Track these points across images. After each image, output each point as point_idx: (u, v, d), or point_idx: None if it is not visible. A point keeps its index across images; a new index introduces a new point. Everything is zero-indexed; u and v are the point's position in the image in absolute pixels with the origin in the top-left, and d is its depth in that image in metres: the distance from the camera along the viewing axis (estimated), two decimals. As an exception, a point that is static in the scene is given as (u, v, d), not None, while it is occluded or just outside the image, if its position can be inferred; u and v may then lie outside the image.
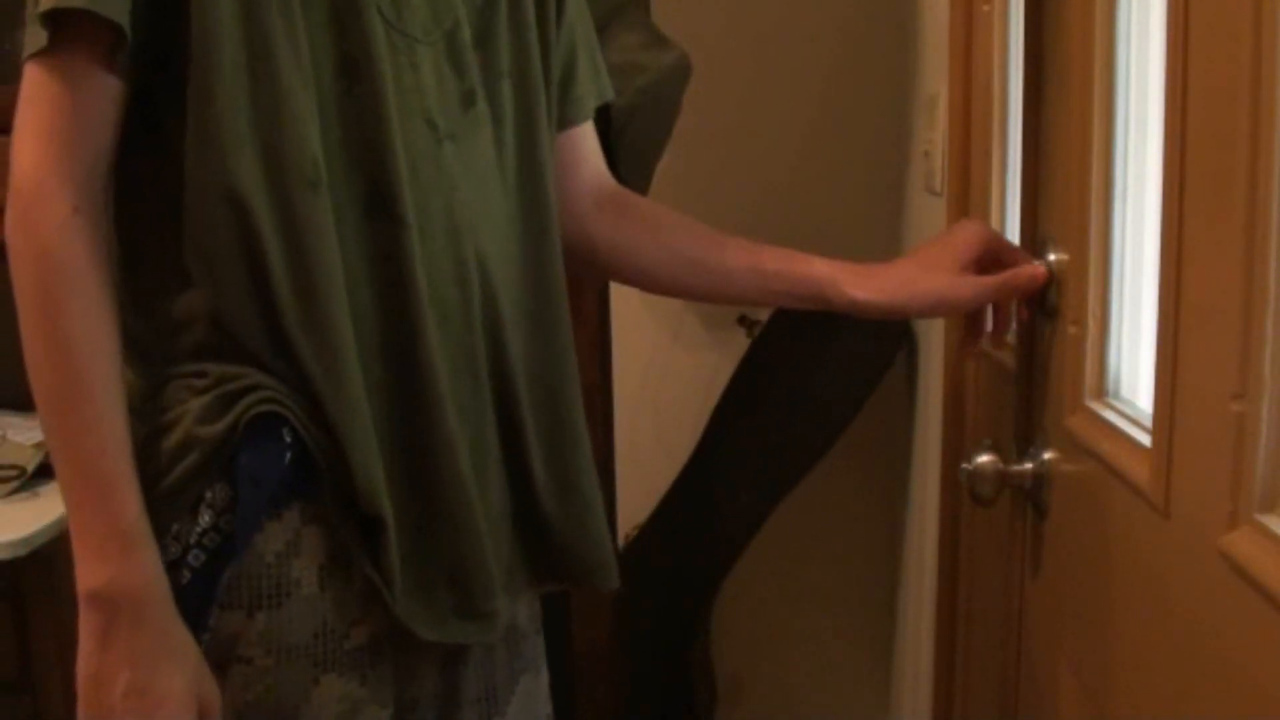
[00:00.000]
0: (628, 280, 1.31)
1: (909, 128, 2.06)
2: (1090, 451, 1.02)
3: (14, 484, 1.79)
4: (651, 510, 2.22)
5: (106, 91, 0.97)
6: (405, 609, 1.03)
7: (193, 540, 0.98)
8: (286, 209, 0.98)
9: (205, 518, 0.98)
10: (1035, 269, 1.15)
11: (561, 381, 1.15)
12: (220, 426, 0.97)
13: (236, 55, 0.97)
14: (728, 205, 2.01)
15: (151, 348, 1.02)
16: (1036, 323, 1.19)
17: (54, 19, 0.93)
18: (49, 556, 1.67)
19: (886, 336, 2.00)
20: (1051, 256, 1.14)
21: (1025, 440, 1.21)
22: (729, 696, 2.40)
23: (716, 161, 2.23)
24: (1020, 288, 1.16)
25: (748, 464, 2.15)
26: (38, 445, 1.83)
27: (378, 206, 1.02)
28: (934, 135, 1.74)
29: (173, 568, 0.97)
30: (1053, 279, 1.14)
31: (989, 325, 1.24)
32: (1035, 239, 1.20)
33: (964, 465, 1.22)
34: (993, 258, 1.19)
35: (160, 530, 0.97)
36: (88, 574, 0.95)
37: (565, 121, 1.22)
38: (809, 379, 2.10)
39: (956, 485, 1.50)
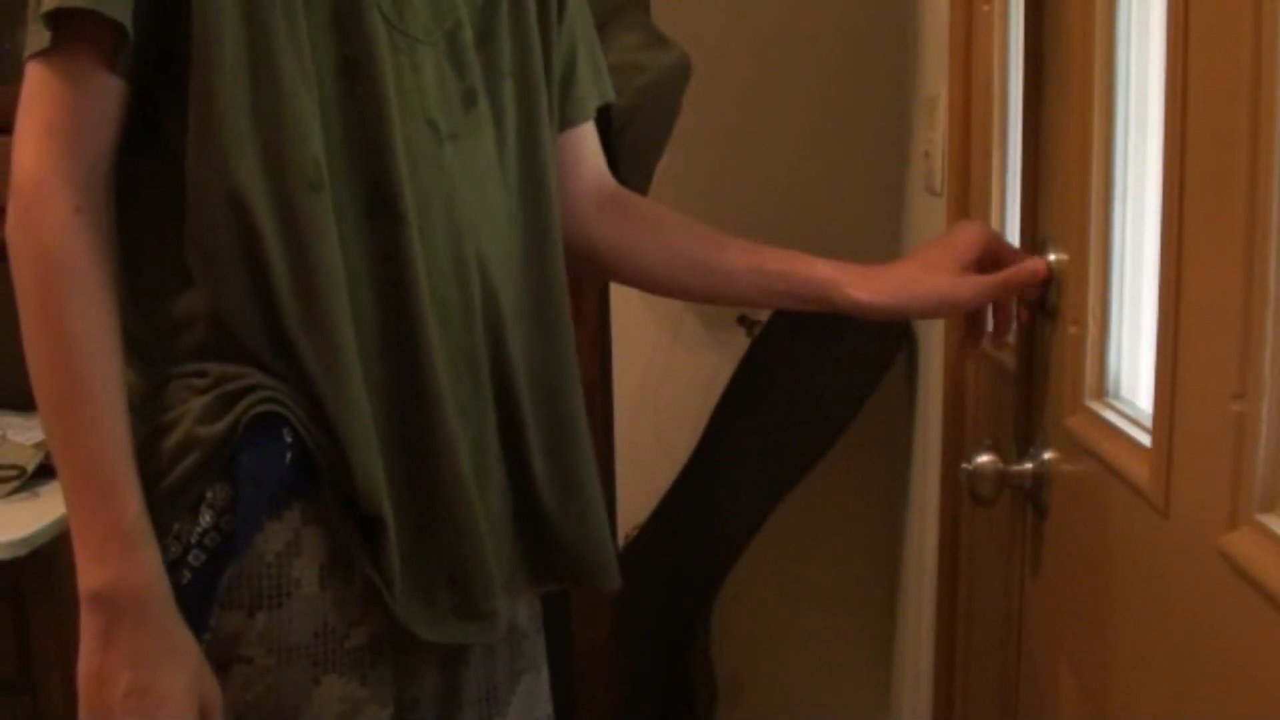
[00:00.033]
0: (628, 281, 1.31)
1: (909, 128, 2.06)
2: (1090, 451, 1.02)
3: (14, 484, 1.79)
4: (651, 510, 2.22)
5: (108, 91, 0.97)
6: (405, 609, 1.03)
7: (193, 540, 0.98)
8: (287, 209, 0.98)
9: (206, 517, 0.98)
10: (1035, 264, 1.15)
11: (563, 381, 1.15)
12: (221, 426, 0.97)
13: (238, 55, 0.97)
14: (728, 205, 2.01)
15: (152, 347, 1.02)
16: (1036, 323, 1.19)
17: (57, 19, 0.93)
18: (49, 556, 1.67)
19: (886, 337, 2.00)
20: (1051, 256, 1.14)
21: (1025, 440, 1.21)
22: (729, 696, 2.40)
23: (716, 161, 2.23)
24: (1021, 284, 1.16)
25: (748, 464, 2.15)
26: (38, 445, 1.83)
27: (378, 206, 1.02)
28: (934, 135, 1.74)
29: (173, 567, 0.97)
30: (1053, 279, 1.14)
31: (989, 326, 1.24)
32: (1035, 239, 1.20)
33: (964, 465, 1.22)
34: (993, 259, 1.19)
35: (161, 530, 0.97)
36: (89, 574, 0.95)
37: (566, 121, 1.22)
38: (809, 379, 2.10)
39: (956, 485, 1.50)
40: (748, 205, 2.16)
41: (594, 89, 1.25)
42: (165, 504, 0.97)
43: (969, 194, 1.52)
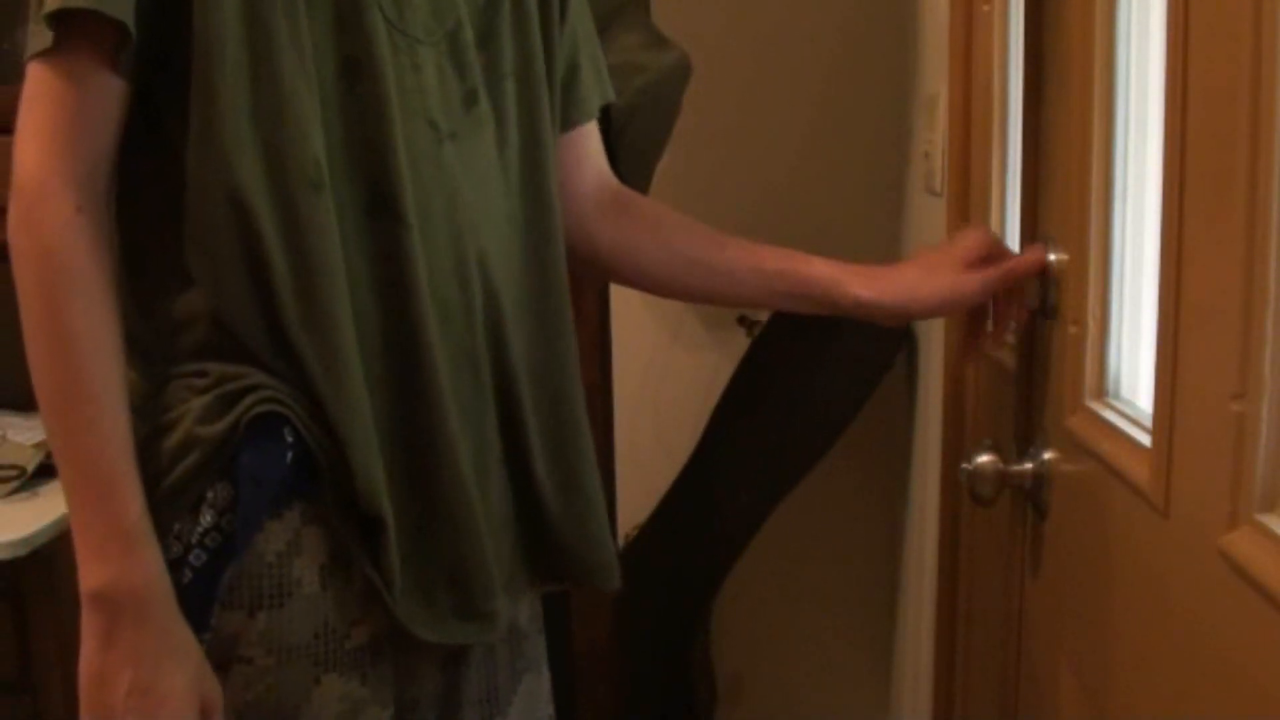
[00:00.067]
0: (628, 281, 1.31)
1: (909, 128, 2.06)
2: (1090, 451, 1.02)
3: (14, 484, 1.79)
4: (651, 510, 2.22)
5: (110, 91, 0.97)
6: (405, 609, 1.03)
7: (194, 540, 0.98)
8: (288, 209, 0.98)
9: (206, 517, 0.98)
10: (1036, 252, 1.16)
11: (564, 381, 1.15)
12: (221, 426, 0.97)
13: (239, 55, 0.97)
14: (728, 205, 2.01)
15: (152, 347, 1.02)
16: (1036, 323, 1.19)
17: (59, 19, 0.94)
18: (49, 556, 1.67)
19: (886, 337, 2.00)
20: (1051, 256, 1.14)
21: (1025, 440, 1.21)
22: (729, 696, 2.40)
23: (716, 161, 2.23)
24: (1025, 272, 1.16)
25: (748, 464, 2.15)
26: (38, 445, 1.83)
27: (379, 206, 1.02)
28: (934, 135, 1.74)
29: (174, 567, 0.97)
30: (1052, 278, 1.14)
31: (989, 326, 1.24)
32: (1035, 239, 1.20)
33: (964, 465, 1.22)
34: (993, 264, 1.20)
35: (161, 530, 0.97)
36: (90, 574, 0.95)
37: (569, 121, 1.22)
38: (809, 379, 2.10)
39: (956, 485, 1.50)
40: (748, 205, 2.16)
41: (596, 89, 1.25)
42: (166, 504, 0.97)
43: (969, 194, 1.52)
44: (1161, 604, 0.87)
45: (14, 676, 1.74)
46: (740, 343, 2.24)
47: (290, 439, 0.99)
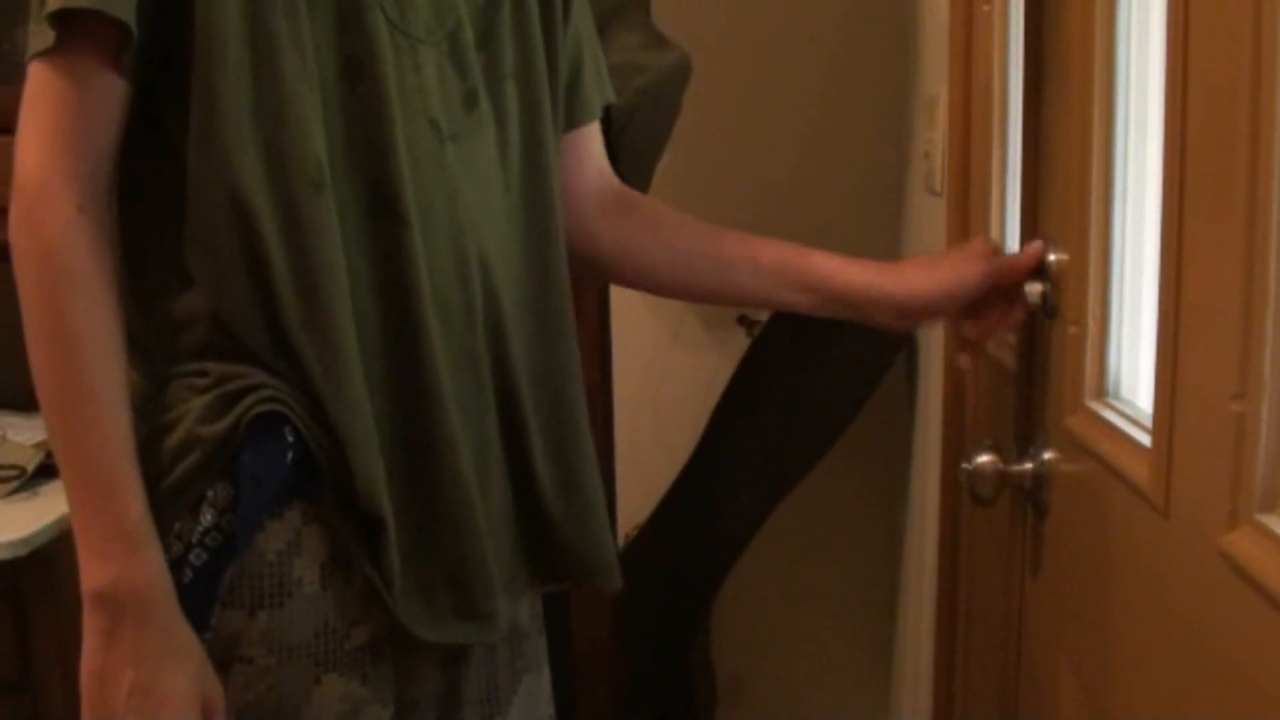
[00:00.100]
0: (631, 282, 1.31)
1: (909, 128, 2.06)
2: (1090, 451, 1.02)
3: (14, 484, 1.79)
4: (651, 510, 2.22)
5: (111, 91, 0.97)
6: (405, 610, 1.03)
7: (194, 539, 0.98)
8: (290, 209, 0.98)
9: (207, 517, 0.98)
10: (1036, 246, 1.16)
11: (564, 381, 1.15)
12: (222, 426, 0.97)
13: (240, 55, 0.97)
14: (728, 205, 2.01)
15: (153, 347, 1.02)
16: (1036, 323, 1.19)
17: (61, 19, 0.94)
18: (49, 556, 1.67)
19: (886, 337, 2.00)
20: (1051, 256, 1.14)
21: (1025, 440, 1.21)
22: (729, 696, 2.40)
23: (716, 161, 2.23)
24: (1025, 266, 1.17)
25: (748, 464, 2.15)
26: (38, 445, 1.83)
27: (380, 206, 1.02)
28: (934, 135, 1.74)
29: (175, 567, 0.97)
30: (1052, 278, 1.14)
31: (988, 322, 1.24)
32: (1035, 239, 1.20)
33: (964, 465, 1.22)
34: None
35: (162, 529, 0.97)
36: (91, 574, 0.95)
37: (573, 122, 1.22)
38: (809, 379, 2.10)
39: (956, 485, 1.50)
40: (748, 205, 2.16)
41: (598, 90, 1.25)
42: (166, 503, 0.98)
43: (969, 194, 1.52)
44: (1161, 604, 0.87)
45: (14, 676, 1.74)
46: (740, 343, 2.24)
47: (291, 439, 0.99)
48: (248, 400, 0.98)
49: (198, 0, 0.96)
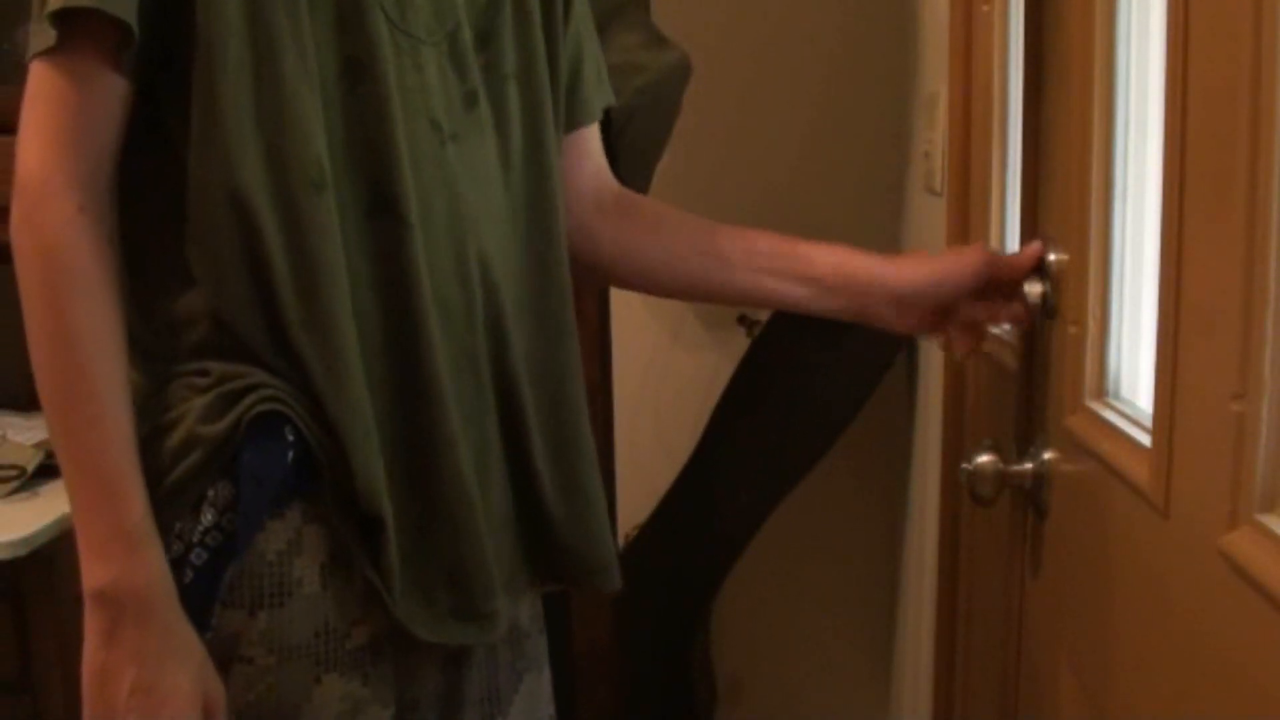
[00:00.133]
0: (631, 283, 1.31)
1: (909, 128, 2.07)
2: (1090, 451, 1.02)
3: (14, 484, 1.79)
4: (651, 510, 2.22)
5: (113, 90, 0.97)
6: (405, 610, 1.03)
7: (195, 539, 0.98)
8: (290, 209, 0.98)
9: (207, 516, 0.98)
10: (1032, 246, 1.17)
11: (565, 382, 1.15)
12: (222, 425, 0.97)
13: (241, 54, 0.97)
14: (728, 205, 2.01)
15: (153, 347, 1.02)
16: (1036, 323, 1.19)
17: (62, 18, 0.94)
18: (49, 556, 1.67)
19: (886, 337, 2.00)
20: (1051, 256, 1.14)
21: (1025, 440, 1.21)
22: (729, 696, 2.40)
23: (716, 161, 2.23)
24: (1021, 266, 1.17)
25: (748, 464, 2.15)
26: (38, 445, 1.83)
27: (380, 206, 1.02)
28: (934, 135, 1.74)
29: (175, 566, 0.97)
30: (1052, 278, 1.14)
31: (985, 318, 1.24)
32: (1035, 239, 1.20)
33: (964, 465, 1.22)
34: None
35: (162, 529, 0.97)
36: (92, 573, 0.95)
37: (572, 124, 1.22)
38: (809, 379, 2.10)
39: (956, 485, 1.50)
40: (748, 205, 2.16)
41: (598, 91, 1.25)
42: (167, 503, 0.98)
43: (969, 194, 1.52)
44: (1161, 604, 0.87)
45: (14, 676, 1.74)
46: (740, 343, 2.24)
47: (291, 438, 0.99)
48: (248, 400, 0.98)
49: (198, 0, 0.96)
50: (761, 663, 2.43)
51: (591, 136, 1.26)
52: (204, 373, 0.99)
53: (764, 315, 2.21)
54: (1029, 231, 1.22)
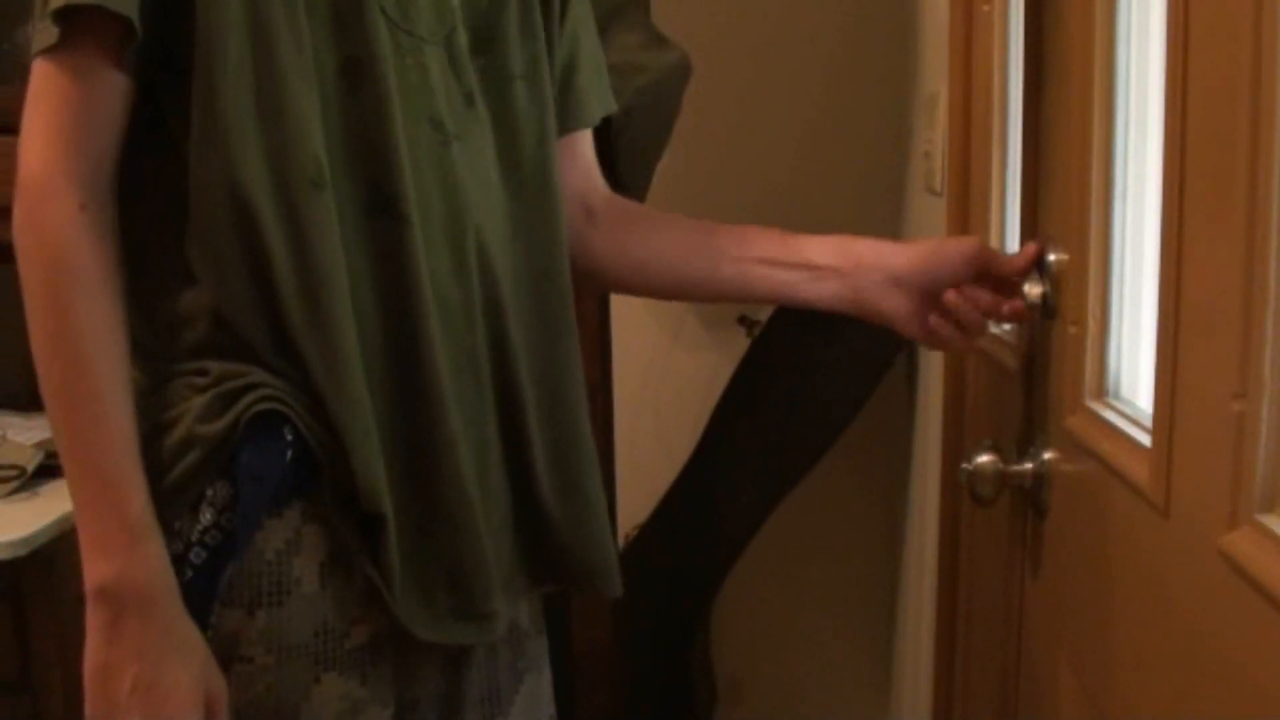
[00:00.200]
0: (629, 286, 1.31)
1: (909, 128, 2.07)
2: (1090, 451, 1.02)
3: (14, 484, 1.79)
4: (651, 510, 2.22)
5: (115, 87, 0.97)
6: (404, 609, 1.03)
7: (194, 538, 0.98)
8: (290, 208, 0.98)
9: (206, 515, 0.98)
10: (1028, 246, 1.17)
11: (565, 382, 1.15)
12: (221, 425, 0.98)
13: (242, 53, 0.97)
14: (728, 205, 2.01)
15: (153, 345, 1.02)
16: (1036, 323, 1.19)
17: (64, 16, 0.94)
18: (49, 556, 1.67)
19: (886, 337, 2.00)
20: (1051, 256, 1.14)
21: (1025, 440, 1.21)
22: (729, 696, 2.40)
23: (716, 161, 2.23)
24: (1015, 263, 1.17)
25: (748, 464, 2.15)
26: (38, 445, 1.83)
27: (379, 205, 1.02)
28: (934, 135, 1.74)
29: (174, 565, 0.97)
30: (1051, 277, 1.14)
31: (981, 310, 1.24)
32: (1035, 239, 1.20)
33: (964, 465, 1.22)
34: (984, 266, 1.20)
35: (162, 528, 0.97)
36: (94, 569, 0.95)
37: (564, 126, 1.21)
38: (809, 379, 2.10)
39: (956, 485, 1.50)
40: (748, 205, 2.16)
41: (597, 97, 1.24)
42: (166, 502, 0.98)
43: (969, 194, 1.52)
44: (1161, 604, 0.87)
45: (14, 676, 1.74)
46: (740, 343, 2.24)
47: (290, 437, 0.99)
48: (247, 399, 0.98)
49: (198, -1, 0.96)
50: (761, 663, 2.43)
51: (583, 140, 1.26)
52: (203, 372, 1.00)
53: (764, 315, 2.20)
54: (1029, 231, 1.22)
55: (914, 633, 2.00)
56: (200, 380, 0.99)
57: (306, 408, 0.99)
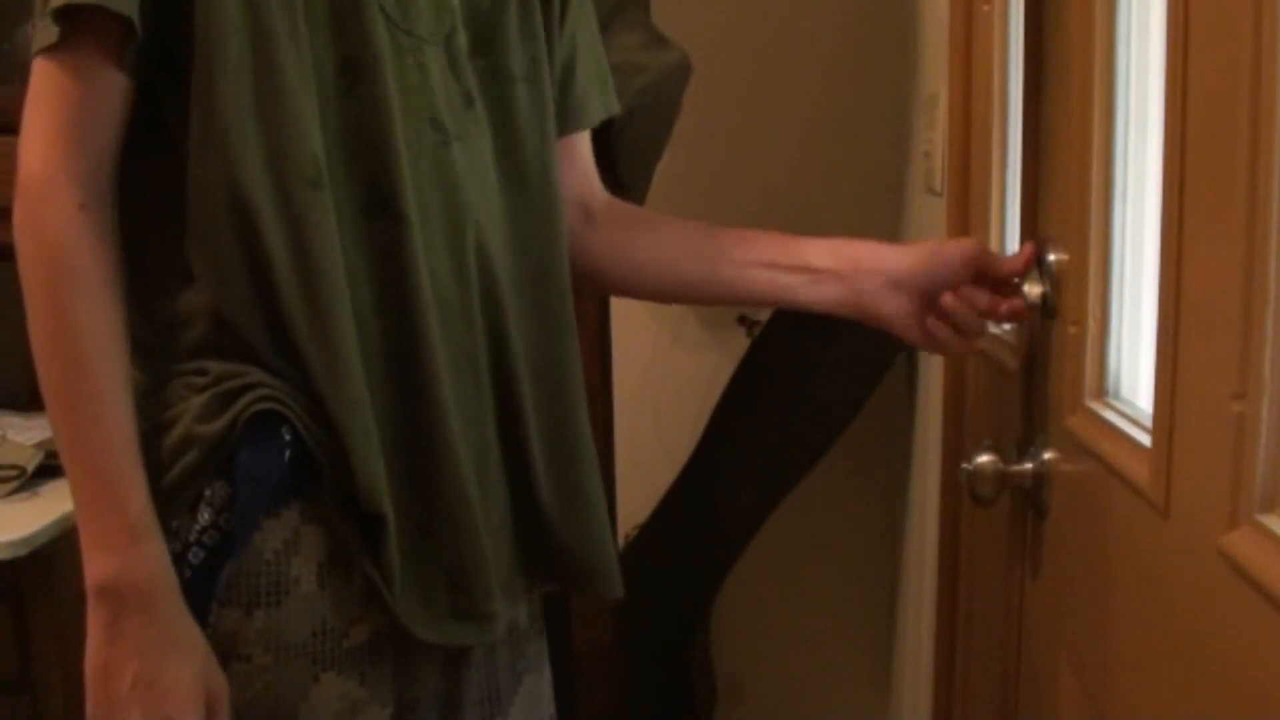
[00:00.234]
0: (627, 289, 1.31)
1: (909, 128, 2.07)
2: (1090, 451, 1.02)
3: (14, 484, 1.78)
4: (651, 510, 2.22)
5: (114, 87, 0.97)
6: (404, 609, 1.03)
7: (192, 538, 0.98)
8: (289, 208, 0.98)
9: (204, 515, 0.98)
10: (1025, 247, 1.17)
11: (565, 382, 1.15)
12: (219, 425, 0.98)
13: (242, 53, 0.97)
14: (728, 205, 2.01)
15: (153, 345, 1.02)
16: (1036, 323, 1.19)
17: (65, 15, 0.94)
18: (49, 556, 1.67)
19: (886, 337, 2.00)
20: (1051, 256, 1.14)
21: (1025, 440, 1.21)
22: (729, 696, 2.40)
23: (716, 161, 2.23)
24: (1013, 264, 1.17)
25: (748, 464, 2.15)
26: (38, 445, 1.83)
27: (378, 205, 1.02)
28: (934, 135, 1.74)
29: (172, 564, 0.97)
30: (1051, 277, 1.14)
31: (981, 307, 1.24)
32: (1035, 239, 1.20)
33: (964, 465, 1.22)
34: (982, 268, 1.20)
35: (160, 527, 0.97)
36: (95, 567, 0.95)
37: (562, 128, 1.21)
38: (809, 379, 2.10)
39: (956, 485, 1.50)
40: (748, 205, 2.16)
41: (598, 99, 1.24)
42: (165, 501, 0.98)
43: (969, 194, 1.52)
44: (1161, 604, 0.87)
45: (14, 676, 1.74)
46: (740, 343, 2.24)
47: (288, 437, 0.99)
48: (245, 399, 0.98)
49: (198, -1, 0.96)
50: (761, 663, 2.43)
51: (581, 142, 1.26)
52: (202, 372, 1.00)
53: (764, 315, 2.21)
54: (1029, 231, 1.22)
55: (914, 633, 2.00)
56: (199, 380, 0.99)
57: (306, 408, 0.99)
